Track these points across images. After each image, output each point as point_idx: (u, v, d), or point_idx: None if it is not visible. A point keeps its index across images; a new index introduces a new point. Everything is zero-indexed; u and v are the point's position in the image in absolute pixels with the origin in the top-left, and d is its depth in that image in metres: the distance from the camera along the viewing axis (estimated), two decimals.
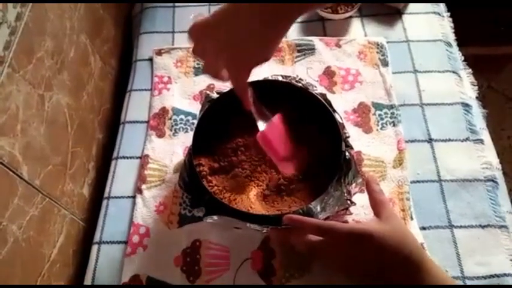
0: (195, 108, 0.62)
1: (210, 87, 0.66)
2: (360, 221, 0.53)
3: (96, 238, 0.55)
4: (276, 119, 0.50)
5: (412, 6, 0.72)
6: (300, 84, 0.55)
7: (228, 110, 0.55)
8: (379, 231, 0.42)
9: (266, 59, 0.43)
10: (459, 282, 0.49)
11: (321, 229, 0.43)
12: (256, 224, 0.46)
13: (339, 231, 0.42)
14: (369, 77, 0.65)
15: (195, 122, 0.60)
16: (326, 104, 0.52)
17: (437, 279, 0.41)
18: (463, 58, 0.67)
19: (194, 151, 0.50)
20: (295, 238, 0.45)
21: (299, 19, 0.72)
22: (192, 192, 0.49)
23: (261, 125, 0.49)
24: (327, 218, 0.47)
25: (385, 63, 0.65)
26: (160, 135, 0.62)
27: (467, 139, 0.58)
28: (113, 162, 0.61)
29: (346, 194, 0.46)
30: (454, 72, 0.65)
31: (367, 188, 0.48)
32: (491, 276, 0.49)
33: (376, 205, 0.46)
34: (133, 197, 0.58)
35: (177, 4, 0.76)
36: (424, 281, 0.40)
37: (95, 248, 0.55)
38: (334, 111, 0.52)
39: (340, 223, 0.43)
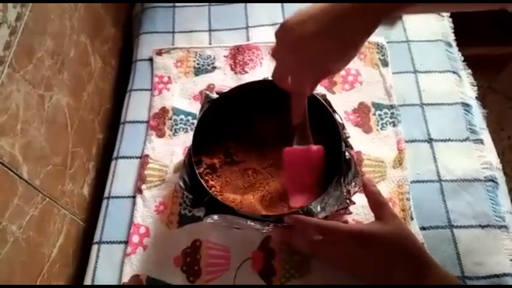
0: (195, 108, 0.62)
1: (210, 88, 0.66)
2: (359, 221, 0.53)
3: (96, 238, 0.55)
4: (315, 148, 0.49)
5: None
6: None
7: (228, 110, 0.55)
8: (380, 232, 0.42)
9: (339, 70, 0.42)
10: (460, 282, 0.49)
11: (322, 229, 0.43)
12: (256, 223, 0.46)
13: (341, 232, 0.42)
14: (369, 77, 0.65)
15: (195, 122, 0.60)
16: (326, 104, 0.52)
17: (439, 278, 0.41)
18: (463, 58, 0.67)
19: (194, 151, 0.50)
20: (296, 237, 0.45)
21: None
22: (192, 192, 0.49)
23: (296, 144, 0.48)
24: (326, 218, 0.47)
25: (385, 63, 0.65)
26: (161, 135, 0.62)
27: (467, 139, 0.58)
28: (113, 162, 0.61)
29: (345, 194, 0.47)
30: (454, 72, 0.64)
31: (365, 191, 0.48)
32: (491, 276, 0.49)
33: (376, 207, 0.46)
34: (134, 197, 0.58)
35: (177, 4, 0.76)
36: (426, 280, 0.40)
37: (95, 247, 0.55)
38: (334, 111, 0.52)
39: (341, 223, 0.43)
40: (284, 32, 0.40)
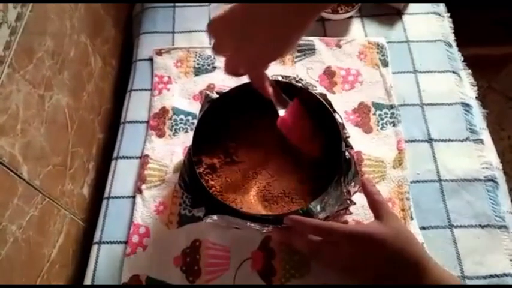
0: (195, 108, 0.62)
1: (210, 87, 0.66)
2: (359, 221, 0.53)
3: (96, 238, 0.55)
4: (294, 103, 0.50)
5: (412, 7, 0.72)
6: (300, 84, 0.55)
7: (228, 110, 0.55)
8: (380, 233, 0.42)
9: (282, 55, 0.42)
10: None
11: (321, 230, 0.43)
12: (256, 223, 0.46)
13: (340, 232, 0.42)
14: (369, 77, 0.65)
15: (195, 122, 0.60)
16: (326, 104, 0.52)
17: (439, 278, 0.41)
18: (463, 58, 0.67)
19: (194, 151, 0.50)
20: (295, 238, 0.45)
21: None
22: (192, 192, 0.49)
23: (281, 112, 0.49)
24: (326, 218, 0.47)
25: (385, 64, 0.65)
26: (161, 135, 0.62)
27: (467, 139, 0.58)
28: (113, 162, 0.61)
29: (345, 194, 0.47)
30: (454, 72, 0.65)
31: (364, 190, 0.48)
32: (492, 276, 0.49)
33: (375, 207, 0.46)
34: (133, 197, 0.58)
35: (177, 4, 0.76)
36: (426, 280, 0.40)
37: (94, 248, 0.55)
38: (334, 111, 0.52)
39: (341, 224, 0.43)
40: (217, 23, 0.41)
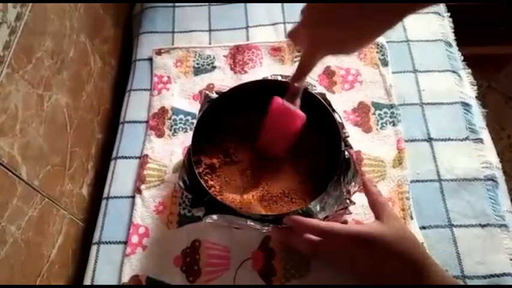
0: (195, 108, 0.62)
1: (209, 87, 0.66)
2: (359, 221, 0.53)
3: (96, 238, 0.55)
4: (299, 113, 0.47)
5: None
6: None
7: (227, 110, 0.55)
8: (380, 233, 0.42)
9: (353, 51, 0.41)
10: (460, 282, 0.48)
11: (322, 230, 0.43)
12: (256, 222, 0.46)
13: (341, 233, 0.42)
14: (368, 77, 0.65)
15: (195, 121, 0.60)
16: (325, 103, 0.52)
17: (439, 278, 0.41)
18: (463, 58, 0.67)
19: (193, 151, 0.50)
20: (295, 238, 0.45)
21: (299, 19, 0.73)
22: (192, 192, 0.49)
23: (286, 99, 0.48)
24: (326, 218, 0.47)
25: (385, 63, 0.65)
26: (160, 135, 0.62)
27: (467, 138, 0.58)
28: (112, 162, 0.61)
29: (345, 194, 0.46)
30: (454, 71, 0.64)
31: (365, 190, 0.48)
32: (492, 275, 0.49)
33: (376, 207, 0.46)
34: (133, 197, 0.58)
35: (177, 4, 0.76)
36: (426, 280, 0.40)
37: (94, 248, 0.54)
38: (334, 110, 0.52)
39: (341, 224, 0.43)
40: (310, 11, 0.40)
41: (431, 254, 0.42)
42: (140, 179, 0.58)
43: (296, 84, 0.47)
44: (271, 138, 0.49)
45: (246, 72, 0.67)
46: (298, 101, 0.48)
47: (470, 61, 0.67)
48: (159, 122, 0.63)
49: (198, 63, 0.68)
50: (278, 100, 0.47)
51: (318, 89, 0.60)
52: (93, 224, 0.57)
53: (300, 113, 0.47)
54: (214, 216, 0.46)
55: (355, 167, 0.48)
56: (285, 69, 0.66)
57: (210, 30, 0.73)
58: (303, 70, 0.45)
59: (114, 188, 0.59)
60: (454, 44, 0.68)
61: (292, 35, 0.43)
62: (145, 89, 0.67)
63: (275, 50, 0.69)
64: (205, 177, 0.52)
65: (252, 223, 0.46)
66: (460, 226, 0.52)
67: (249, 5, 0.75)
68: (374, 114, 0.61)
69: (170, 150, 0.60)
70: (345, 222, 0.52)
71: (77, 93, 0.58)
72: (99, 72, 0.65)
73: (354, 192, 0.48)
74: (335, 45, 0.41)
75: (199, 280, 0.51)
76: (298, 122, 0.47)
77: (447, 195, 0.54)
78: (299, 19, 0.41)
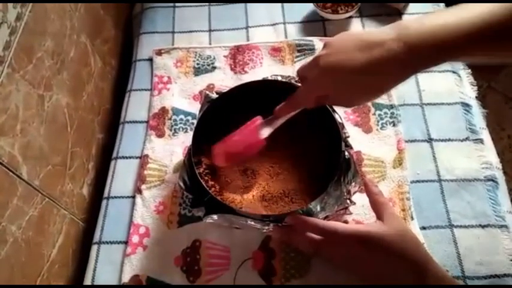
0: (195, 108, 0.62)
1: (209, 87, 0.66)
2: (359, 221, 0.53)
3: (96, 238, 0.55)
4: (260, 140, 0.48)
5: (412, 6, 0.72)
6: (299, 84, 0.55)
7: (227, 110, 0.55)
8: (382, 233, 0.42)
9: (355, 105, 0.41)
10: (460, 282, 0.49)
11: (322, 229, 0.43)
12: (256, 222, 0.46)
13: (341, 232, 0.42)
14: None
15: (195, 122, 0.60)
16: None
17: (439, 279, 0.41)
18: None
19: (194, 151, 0.50)
20: (297, 236, 0.46)
21: (299, 19, 0.73)
22: (192, 192, 0.49)
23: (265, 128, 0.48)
24: (326, 218, 0.47)
25: None
26: (160, 135, 0.62)
27: (467, 139, 0.58)
28: (113, 162, 0.61)
29: (345, 194, 0.46)
30: (453, 72, 0.64)
31: (366, 191, 0.48)
32: (492, 276, 0.49)
33: (377, 207, 0.46)
34: (133, 197, 0.58)
35: (177, 4, 0.76)
36: (427, 280, 0.40)
37: (94, 248, 0.55)
38: (334, 111, 0.52)
39: (343, 224, 0.43)
40: (327, 51, 0.39)
41: (431, 254, 0.42)
42: (141, 179, 0.58)
43: (280, 115, 0.46)
44: (227, 148, 0.49)
45: (246, 72, 0.67)
46: (272, 129, 0.47)
47: None
48: (160, 122, 0.63)
49: (198, 64, 0.68)
50: (257, 120, 0.48)
51: None
52: (94, 224, 0.57)
53: (261, 139, 0.47)
54: (215, 216, 0.46)
55: (355, 167, 0.48)
56: (285, 70, 0.67)
57: (210, 31, 0.73)
58: (293, 106, 0.44)
59: (114, 188, 0.59)
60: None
61: (301, 75, 0.43)
62: (145, 89, 0.67)
63: (275, 50, 0.69)
64: (206, 177, 0.52)
65: (252, 223, 0.46)
66: (461, 227, 0.52)
67: (249, 5, 0.75)
68: (374, 114, 0.61)
69: (170, 150, 0.60)
70: (345, 222, 0.52)
71: (78, 93, 0.58)
72: (99, 73, 0.66)
73: (354, 193, 0.48)
74: (336, 101, 0.41)
75: (200, 280, 0.51)
76: (254, 148, 0.48)
77: (447, 195, 0.54)
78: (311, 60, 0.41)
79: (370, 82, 0.37)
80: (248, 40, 0.71)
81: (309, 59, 0.66)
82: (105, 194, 0.59)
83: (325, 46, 0.40)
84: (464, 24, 0.34)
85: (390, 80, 0.37)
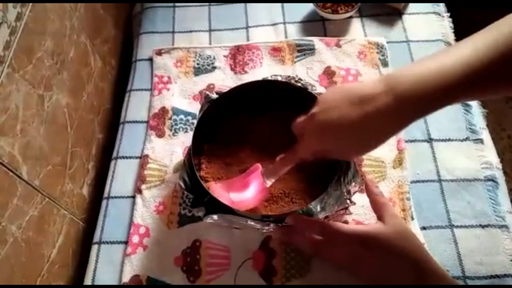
0: (195, 108, 0.62)
1: (209, 87, 0.66)
2: (360, 221, 0.53)
3: (96, 238, 0.55)
4: (264, 191, 0.48)
5: (412, 6, 0.72)
6: (299, 84, 0.55)
7: (227, 110, 0.55)
8: (382, 233, 0.42)
9: (352, 158, 0.42)
10: (460, 282, 0.49)
11: (323, 229, 0.43)
12: (256, 222, 0.46)
13: (342, 233, 0.42)
14: (368, 77, 0.64)
15: (195, 122, 0.60)
16: None
17: (439, 279, 0.41)
18: None
19: (194, 151, 0.50)
20: (298, 237, 0.46)
21: (299, 19, 0.73)
22: (192, 192, 0.49)
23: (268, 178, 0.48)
24: (326, 218, 0.47)
25: (385, 64, 0.65)
26: (160, 135, 0.62)
27: (467, 139, 0.58)
28: (113, 162, 0.61)
29: (345, 194, 0.46)
30: None
31: (367, 191, 0.48)
32: (492, 276, 0.49)
33: (378, 208, 0.46)
34: (133, 197, 0.58)
35: (177, 4, 0.76)
36: (427, 281, 0.40)
37: (94, 248, 0.55)
38: None
39: (343, 225, 0.44)
40: (319, 108, 0.40)
41: (432, 254, 0.42)
42: (141, 179, 0.58)
43: (281, 166, 0.46)
44: (232, 196, 0.48)
45: (246, 72, 0.67)
46: (276, 177, 0.48)
47: None
48: (160, 122, 0.63)
49: (198, 64, 0.68)
50: (257, 169, 0.48)
51: (318, 89, 0.61)
52: (94, 224, 0.57)
53: (265, 190, 0.48)
54: (215, 216, 0.46)
55: (355, 167, 0.48)
56: (285, 70, 0.66)
57: (210, 30, 0.73)
58: (293, 160, 0.45)
59: (114, 188, 0.59)
60: (454, 44, 0.68)
61: (298, 132, 0.43)
62: (145, 89, 0.67)
63: (275, 50, 0.69)
64: (206, 178, 0.52)
65: (252, 223, 0.46)
66: (461, 227, 0.52)
67: (249, 5, 0.75)
68: None
69: (170, 150, 0.60)
70: (346, 222, 0.52)
71: (78, 93, 0.58)
72: (99, 72, 0.65)
73: (354, 193, 0.48)
74: (334, 155, 0.41)
75: (200, 280, 0.51)
76: (259, 197, 0.48)
77: (447, 195, 0.54)
78: (312, 113, 0.41)
79: (367, 136, 0.37)
80: (248, 40, 0.71)
81: (310, 59, 0.67)
82: (105, 194, 0.59)
83: (318, 103, 0.40)
84: (449, 71, 0.34)
85: (386, 131, 0.37)
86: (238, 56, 0.68)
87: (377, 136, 0.37)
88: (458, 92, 0.34)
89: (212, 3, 0.76)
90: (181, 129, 0.62)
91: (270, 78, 0.56)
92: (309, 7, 0.73)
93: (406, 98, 0.35)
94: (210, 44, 0.71)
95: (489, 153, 0.58)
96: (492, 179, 0.55)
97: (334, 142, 0.39)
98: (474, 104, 0.62)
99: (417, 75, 0.35)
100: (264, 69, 0.67)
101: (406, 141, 0.58)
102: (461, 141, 0.58)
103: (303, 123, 0.42)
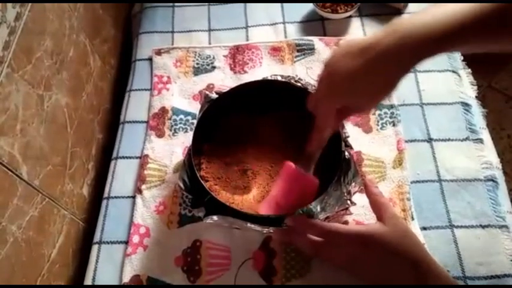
0: (195, 108, 0.62)
1: (209, 87, 0.66)
2: (360, 222, 0.53)
3: (96, 238, 0.55)
4: (313, 181, 0.47)
5: (412, 6, 0.72)
6: (299, 84, 0.55)
7: (227, 110, 0.55)
8: (383, 234, 0.42)
9: (369, 108, 0.43)
10: (461, 282, 0.49)
11: (323, 231, 0.43)
12: (256, 224, 0.46)
13: (343, 233, 0.42)
14: None
15: (195, 121, 0.60)
16: None
17: (440, 279, 0.41)
18: (462, 58, 0.67)
19: (194, 151, 0.50)
20: (298, 238, 0.46)
21: (298, 19, 0.73)
22: (192, 192, 0.49)
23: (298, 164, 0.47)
24: (327, 218, 0.47)
25: None
26: (160, 135, 0.62)
27: (467, 139, 0.58)
28: (113, 162, 0.61)
29: (346, 194, 0.46)
30: (453, 71, 0.64)
31: (367, 192, 0.48)
32: (493, 276, 0.49)
33: (378, 208, 0.46)
34: (133, 197, 0.58)
35: (176, 4, 0.76)
36: (427, 281, 0.40)
37: (95, 248, 0.55)
38: None
39: (343, 226, 0.44)
40: (325, 72, 0.41)
41: (432, 254, 0.42)
42: (141, 179, 0.58)
43: (311, 149, 0.46)
44: (285, 204, 0.48)
45: (245, 72, 0.67)
46: (312, 167, 0.47)
47: (470, 61, 0.67)
48: (159, 122, 0.63)
49: (197, 63, 0.68)
50: (291, 166, 0.48)
51: None
52: (94, 224, 0.57)
53: (312, 178, 0.47)
54: (215, 217, 0.46)
55: (355, 168, 0.48)
56: (284, 69, 0.66)
57: (209, 30, 0.73)
58: (320, 132, 0.44)
59: (114, 188, 0.59)
60: None
61: (310, 102, 0.43)
62: (145, 89, 0.67)
63: (275, 50, 0.69)
64: (206, 178, 0.52)
65: (252, 224, 0.46)
66: (461, 227, 0.52)
67: (249, 5, 0.75)
68: (374, 114, 0.61)
69: (170, 150, 0.60)
70: (346, 222, 0.52)
71: (77, 93, 0.58)
72: (99, 72, 0.65)
73: (355, 193, 0.48)
74: (353, 107, 0.41)
75: (200, 280, 0.51)
76: (311, 189, 0.47)
77: (447, 195, 0.54)
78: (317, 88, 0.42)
79: (373, 81, 0.38)
80: (248, 40, 0.71)
81: (310, 59, 0.67)
82: (105, 194, 0.59)
83: (324, 67, 0.41)
84: (456, 14, 0.34)
85: (390, 73, 0.38)
86: (237, 56, 0.68)
87: (383, 80, 0.38)
88: (460, 35, 0.34)
89: (211, 3, 0.76)
90: (181, 129, 0.62)
91: (269, 78, 0.56)
92: (309, 7, 0.73)
93: (407, 37, 0.35)
94: (210, 43, 0.71)
95: (489, 153, 0.58)
96: (492, 179, 0.55)
97: (347, 96, 0.40)
98: (474, 104, 0.62)
99: (420, 18, 0.35)
100: (264, 69, 0.67)
101: (406, 141, 0.58)
102: (461, 141, 0.58)
103: (315, 94, 0.42)
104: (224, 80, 0.67)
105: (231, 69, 0.68)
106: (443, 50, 0.36)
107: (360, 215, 0.53)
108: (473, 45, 0.36)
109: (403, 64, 0.37)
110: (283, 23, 0.73)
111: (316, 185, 0.47)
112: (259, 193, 0.52)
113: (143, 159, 0.60)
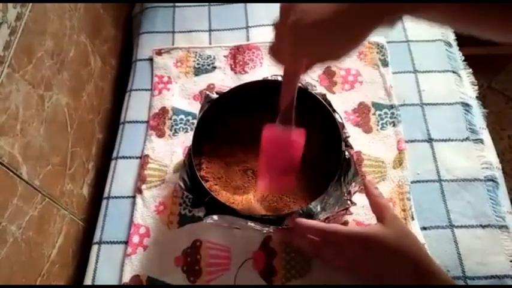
0: (195, 108, 0.62)
1: (209, 87, 0.66)
2: (360, 222, 0.53)
3: (96, 238, 0.55)
4: (297, 133, 0.44)
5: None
6: (299, 84, 0.55)
7: (227, 110, 0.55)
8: (382, 234, 0.42)
9: (339, 58, 0.36)
10: (461, 282, 0.49)
11: (323, 232, 0.43)
12: (256, 224, 0.46)
13: (342, 234, 0.42)
14: (369, 77, 0.64)
15: (195, 122, 0.60)
16: (326, 103, 0.52)
17: (440, 279, 0.41)
18: (463, 58, 0.67)
19: (194, 151, 0.50)
20: (298, 239, 0.45)
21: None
22: (192, 192, 0.49)
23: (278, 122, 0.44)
24: (327, 218, 0.47)
25: (385, 63, 0.65)
26: (160, 135, 0.62)
27: (467, 139, 0.58)
28: (113, 162, 0.61)
29: (346, 194, 0.46)
30: (454, 72, 0.64)
31: (366, 193, 0.48)
32: (493, 276, 0.49)
33: (378, 209, 0.46)
34: (133, 197, 0.58)
35: (177, 4, 0.76)
36: (427, 281, 0.40)
37: (95, 248, 0.55)
38: (334, 111, 0.52)
39: (344, 227, 0.44)
40: (287, 8, 0.36)
41: (432, 254, 0.42)
42: (141, 179, 0.58)
43: (284, 104, 0.43)
44: (276, 170, 0.46)
45: (246, 72, 0.67)
46: (292, 118, 0.44)
47: (470, 61, 0.67)
48: (160, 122, 0.63)
49: (198, 64, 0.68)
50: (267, 129, 0.45)
51: (318, 89, 0.61)
52: (94, 224, 0.57)
53: (296, 132, 0.44)
54: (215, 217, 0.46)
55: (355, 168, 0.48)
56: None
57: (210, 30, 0.73)
58: (289, 82, 0.41)
59: (114, 188, 0.59)
60: (454, 44, 0.68)
61: (274, 53, 0.40)
62: (145, 89, 0.67)
63: None
64: (206, 178, 0.52)
65: (252, 224, 0.46)
66: (461, 227, 0.52)
67: (249, 5, 0.75)
68: (374, 114, 0.61)
69: (171, 150, 0.60)
70: (346, 222, 0.52)
71: (78, 93, 0.58)
72: (99, 72, 0.65)
73: (355, 193, 0.48)
74: (322, 56, 0.38)
75: (200, 280, 0.51)
76: (297, 144, 0.44)
77: (448, 195, 0.54)
78: (274, 36, 0.39)
79: (348, 25, 0.33)
80: (248, 40, 0.71)
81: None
82: (105, 194, 0.59)
83: (285, 12, 0.36)
84: None
85: (366, 22, 0.33)
86: (238, 56, 0.68)
87: (358, 29, 0.33)
88: None
89: (212, 3, 0.76)
90: (181, 129, 0.62)
91: (270, 78, 0.56)
92: None
93: None
94: (210, 44, 0.71)
95: (489, 153, 0.58)
96: (492, 179, 0.55)
97: (317, 40, 0.35)
98: (474, 104, 0.62)
99: None
100: (264, 69, 0.67)
101: (406, 142, 0.58)
102: (461, 141, 0.58)
103: (276, 40, 0.39)
104: (224, 80, 0.67)
105: (232, 69, 0.68)
106: (423, 9, 0.32)
107: (360, 215, 0.53)
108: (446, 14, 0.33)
109: (379, 13, 0.32)
110: None
111: (302, 134, 0.44)
112: (259, 193, 0.52)
113: (143, 159, 0.60)
